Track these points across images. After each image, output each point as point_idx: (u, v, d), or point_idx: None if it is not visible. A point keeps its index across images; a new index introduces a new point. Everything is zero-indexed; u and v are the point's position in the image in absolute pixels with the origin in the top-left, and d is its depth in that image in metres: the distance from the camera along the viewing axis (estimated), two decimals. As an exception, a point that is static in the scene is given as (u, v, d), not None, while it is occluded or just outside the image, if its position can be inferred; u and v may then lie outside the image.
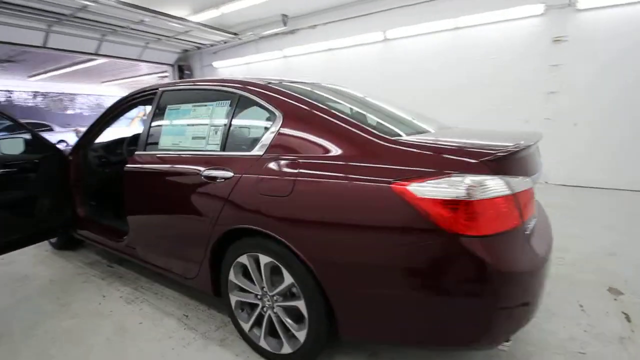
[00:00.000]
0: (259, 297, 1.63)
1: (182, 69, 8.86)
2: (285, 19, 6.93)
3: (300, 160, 1.42)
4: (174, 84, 2.12)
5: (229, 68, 8.34)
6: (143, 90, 2.32)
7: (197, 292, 2.23)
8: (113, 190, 2.98)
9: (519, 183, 1.19)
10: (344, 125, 1.43)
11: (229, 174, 1.59)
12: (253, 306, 1.68)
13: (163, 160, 1.95)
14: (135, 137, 2.99)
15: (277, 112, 1.58)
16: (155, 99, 2.14)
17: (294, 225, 1.39)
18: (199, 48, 8.48)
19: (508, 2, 5.06)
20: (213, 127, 1.80)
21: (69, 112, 16.35)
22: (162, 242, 2.02)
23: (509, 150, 1.20)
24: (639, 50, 4.48)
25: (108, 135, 2.93)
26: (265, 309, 1.62)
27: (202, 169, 1.71)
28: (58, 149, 2.66)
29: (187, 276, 1.91)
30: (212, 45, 8.17)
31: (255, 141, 1.62)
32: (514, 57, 5.25)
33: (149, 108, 2.40)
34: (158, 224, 2.00)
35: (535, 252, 1.22)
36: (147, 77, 12.72)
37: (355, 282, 1.29)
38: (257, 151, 1.57)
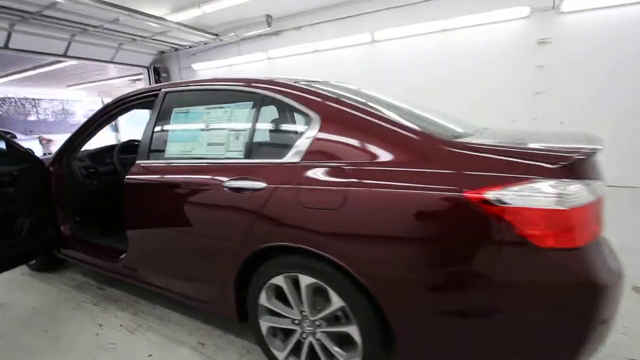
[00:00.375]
0: (296, 322, 1.46)
1: (159, 71, 8.44)
2: (269, 19, 6.73)
3: (348, 168, 1.27)
4: (179, 84, 1.90)
5: (210, 70, 8.03)
6: (139, 92, 2.08)
7: (208, 316, 2.01)
8: (103, 205, 2.69)
9: (598, 188, 1.10)
10: (394, 128, 1.29)
11: (261, 184, 1.40)
12: (289, 332, 1.50)
13: (172, 170, 1.73)
14: (127, 145, 2.71)
15: (312, 114, 1.42)
16: (157, 102, 1.91)
17: (346, 242, 1.23)
18: (176, 49, 8.10)
19: (495, 4, 5.14)
20: (233, 132, 1.61)
21: (32, 118, 15.21)
22: (172, 262, 1.79)
23: (587, 153, 1.11)
24: (617, 52, 4.67)
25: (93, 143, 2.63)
26: (305, 335, 1.44)
27: (224, 179, 1.52)
28: (39, 159, 2.35)
29: (204, 300, 1.70)
30: (190, 47, 7.82)
31: (286, 147, 1.45)
32: (501, 58, 5.35)
33: (143, 112, 2.17)
34: (168, 243, 1.77)
35: (614, 261, 1.14)
36: (117, 80, 12.08)
37: (425, 304, 1.14)
38: (292, 158, 1.40)
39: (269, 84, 1.57)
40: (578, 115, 4.98)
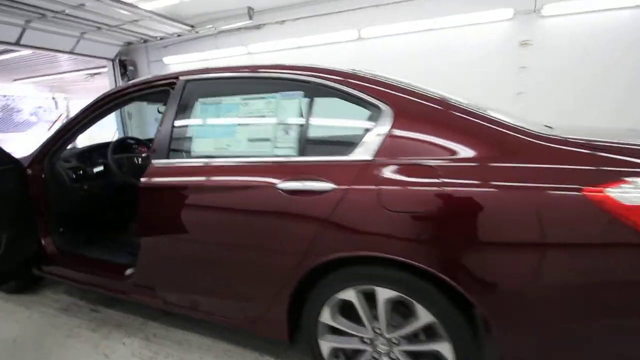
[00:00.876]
0: (367, 341, 1.29)
1: (125, 64, 7.78)
2: (251, 12, 6.42)
3: (438, 165, 1.12)
4: (203, 71, 1.64)
5: (183, 65, 7.52)
6: (146, 82, 1.79)
7: (231, 335, 1.77)
8: (96, 212, 2.33)
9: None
10: (481, 121, 1.16)
11: (328, 185, 1.21)
12: (358, 353, 1.33)
13: (204, 171, 1.48)
14: (121, 142, 2.37)
15: (383, 106, 1.25)
16: (175, 92, 1.64)
17: (444, 249, 1.08)
18: (145, 41, 7.50)
19: (480, 5, 5.25)
20: (283, 126, 1.40)
21: (-34, 116, 13.45)
22: (205, 279, 1.54)
23: None
24: (595, 55, 4.95)
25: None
26: (377, 355, 1.28)
27: (275, 180, 1.30)
28: (17, 161, 1.97)
29: (246, 320, 1.48)
30: (162, 38, 7.27)
31: (351, 142, 1.27)
32: (485, 59, 5.48)
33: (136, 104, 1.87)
34: (199, 256, 1.52)
35: None
36: (72, 74, 11.07)
37: (540, 317, 1.03)
38: (361, 155, 1.23)
39: (325, 72, 1.38)
40: (559, 116, 5.23)
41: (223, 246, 1.44)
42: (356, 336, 1.30)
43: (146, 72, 7.85)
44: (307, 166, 1.29)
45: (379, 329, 1.26)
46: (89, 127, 2.07)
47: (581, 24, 4.92)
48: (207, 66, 1.66)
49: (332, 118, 1.42)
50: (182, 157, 1.57)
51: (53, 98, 12.83)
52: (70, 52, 6.64)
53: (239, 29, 6.87)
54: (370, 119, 1.28)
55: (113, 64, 7.71)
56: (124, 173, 2.23)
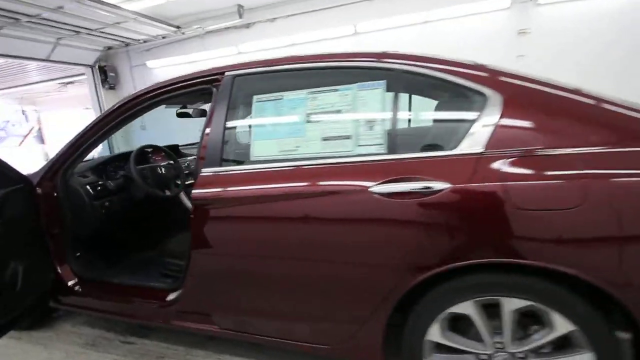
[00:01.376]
0: (485, 357, 1.14)
1: (105, 71, 7.33)
2: (241, 10, 6.16)
3: (576, 154, 0.98)
4: (255, 64, 1.45)
5: (169, 68, 7.17)
6: (183, 80, 1.58)
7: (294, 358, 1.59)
8: (120, 232, 2.09)
9: None
10: (608, 106, 1.05)
11: (441, 184, 1.05)
12: (470, 372, 1.18)
13: (270, 178, 1.29)
14: (142, 152, 2.12)
15: (489, 93, 1.11)
16: (223, 90, 1.44)
17: (596, 248, 0.95)
18: (127, 45, 7.10)
19: (477, -5, 5.24)
20: (365, 121, 1.23)
21: None
22: (277, 300, 1.35)
23: None
24: (589, 40, 5.03)
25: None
26: (498, 371, 1.13)
27: (367, 183, 1.13)
28: (28, 180, 1.70)
29: (331, 344, 1.30)
30: (145, 41, 6.90)
31: (452, 134, 1.13)
32: (484, 48, 5.48)
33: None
34: (270, 275, 1.32)
35: None
36: (43, 85, 10.40)
37: None
38: (470, 148, 1.08)
39: (412, 59, 1.22)
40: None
41: (302, 262, 1.26)
42: (471, 353, 1.15)
43: (128, 77, 7.45)
44: (404, 164, 1.13)
45: (501, 344, 1.11)
46: (108, 136, 1.83)
47: (577, 10, 4.98)
48: (257, 59, 1.47)
49: (423, 109, 1.26)
50: (241, 164, 1.37)
51: (22, 111, 12.02)
52: (46, 60, 6.18)
53: (227, 28, 6.61)
54: (472, 107, 1.13)
55: (92, 71, 7.26)
56: (150, 185, 1.99)
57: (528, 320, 1.10)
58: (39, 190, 1.79)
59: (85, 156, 1.90)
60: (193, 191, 1.37)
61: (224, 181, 1.34)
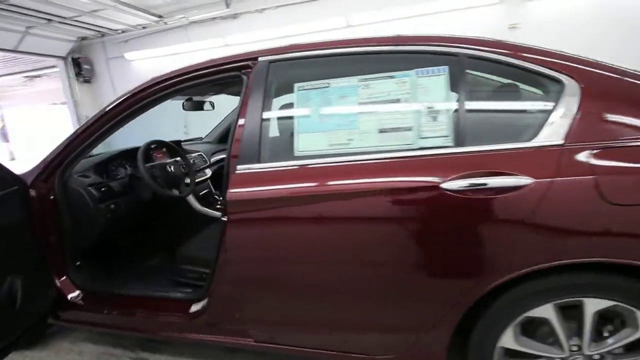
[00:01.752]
0: (559, 361, 1.07)
1: (79, 62, 6.86)
2: (228, 0, 5.91)
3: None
4: (293, 48, 1.31)
5: (150, 61, 6.80)
6: (208, 66, 1.41)
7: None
8: (122, 236, 1.89)
9: None
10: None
11: (523, 180, 0.96)
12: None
13: (321, 175, 1.16)
14: (148, 148, 1.93)
15: (567, 80, 1.03)
16: (257, 77, 1.29)
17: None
18: (103, 35, 6.65)
19: (469, -11, 5.24)
20: (427, 110, 1.12)
21: None
22: (336, 310, 1.22)
23: None
24: (579, 33, 5.16)
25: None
26: (575, 376, 1.07)
27: (438, 179, 1.03)
28: (21, 180, 1.49)
29: (392, 354, 1.19)
30: (123, 32, 6.49)
31: (526, 125, 1.05)
32: (476, 43, 5.52)
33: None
34: (329, 283, 1.20)
35: None
36: (8, 78, 9.69)
37: None
38: (549, 139, 0.99)
39: (479, 43, 1.13)
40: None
41: (362, 267, 1.14)
42: (545, 357, 1.08)
43: (105, 70, 7.01)
44: (476, 157, 1.03)
45: (577, 346, 1.05)
46: (114, 131, 1.62)
47: (566, 5, 5.09)
48: (296, 43, 1.33)
49: (490, 97, 1.17)
50: (283, 159, 1.23)
51: (-16, 108, 11.15)
52: (14, 51, 5.69)
53: (213, 19, 6.33)
54: (548, 96, 1.05)
55: (65, 63, 6.77)
56: (160, 185, 1.80)
57: (602, 321, 1.04)
58: (33, 193, 1.57)
59: (87, 154, 1.70)
60: (229, 191, 1.21)
61: (265, 179, 1.20)
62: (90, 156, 1.90)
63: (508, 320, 1.06)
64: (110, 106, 1.57)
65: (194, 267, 1.73)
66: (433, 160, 1.07)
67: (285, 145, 1.24)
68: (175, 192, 1.93)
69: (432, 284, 1.09)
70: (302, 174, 1.18)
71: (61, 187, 1.64)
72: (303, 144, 1.21)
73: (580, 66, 1.05)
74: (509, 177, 0.98)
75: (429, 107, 1.12)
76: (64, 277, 1.68)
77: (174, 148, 2.10)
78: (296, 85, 1.24)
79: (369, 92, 1.17)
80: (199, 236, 1.98)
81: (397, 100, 1.15)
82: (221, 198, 2.39)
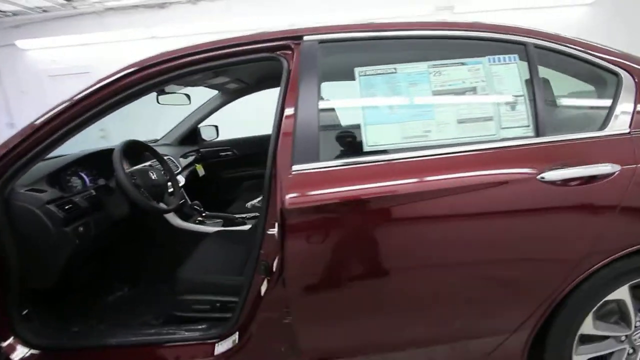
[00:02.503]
0: (623, 338, 1.12)
1: (-53, 49, 5.36)
2: (155, -14, 5.27)
3: None
4: (347, 28, 1.13)
5: (51, 51, 5.68)
6: (231, 45, 1.16)
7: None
8: (99, 266, 1.46)
9: None
10: None
11: (611, 167, 0.98)
12: (611, 355, 1.14)
13: (400, 171, 1.02)
14: (125, 150, 1.52)
15: (623, 75, 1.09)
16: (303, 60, 1.09)
17: None
18: (-16, 16, 5.35)
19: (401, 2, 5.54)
20: (504, 100, 1.07)
21: None
22: (420, 323, 1.09)
23: None
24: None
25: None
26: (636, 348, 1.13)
27: (532, 170, 0.99)
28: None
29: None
30: (13, 14, 5.29)
31: (595, 115, 1.09)
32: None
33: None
34: (412, 291, 1.05)
35: None
36: None
37: None
38: (618, 128, 1.04)
39: (544, 35, 1.12)
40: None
41: (461, 271, 1.03)
42: (613, 337, 1.12)
43: (-12, 60, 5.62)
44: (560, 147, 1.02)
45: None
46: (86, 126, 1.22)
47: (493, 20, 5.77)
48: (349, 23, 1.15)
49: (558, 88, 1.17)
50: (349, 155, 1.05)
51: None
52: None
53: (135, 6, 5.58)
54: (608, 88, 1.10)
55: None
56: (147, 198, 1.42)
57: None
58: None
59: (37, 162, 1.24)
60: (288, 196, 0.99)
61: (331, 180, 1.01)
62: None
63: (591, 306, 1.07)
64: (83, 94, 1.18)
65: (200, 295, 1.40)
66: (520, 151, 1.03)
67: (350, 140, 1.06)
68: (162, 204, 1.56)
69: (528, 279, 1.04)
70: (378, 171, 1.02)
71: (1, 207, 1.17)
72: (373, 137, 1.05)
73: (631, 62, 1.12)
74: (600, 165, 0.98)
75: (506, 96, 1.07)
76: (9, 336, 1.21)
77: (153, 150, 1.70)
78: (357, 70, 1.08)
79: (441, 80, 1.08)
80: (188, 257, 1.62)
81: (473, 89, 1.07)
82: (201, 209, 2.05)
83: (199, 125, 2.61)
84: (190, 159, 2.42)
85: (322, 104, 1.06)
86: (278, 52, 1.13)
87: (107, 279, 1.74)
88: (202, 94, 2.56)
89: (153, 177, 1.54)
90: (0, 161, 1.15)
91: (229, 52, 1.16)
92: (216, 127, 2.73)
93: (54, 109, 1.19)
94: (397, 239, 1.01)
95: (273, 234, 1.04)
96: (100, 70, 1.29)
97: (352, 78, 1.08)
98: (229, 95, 2.43)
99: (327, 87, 1.09)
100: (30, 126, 1.18)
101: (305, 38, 1.11)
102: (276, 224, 1.02)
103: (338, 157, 1.05)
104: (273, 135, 1.07)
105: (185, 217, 1.95)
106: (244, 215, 2.00)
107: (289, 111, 1.06)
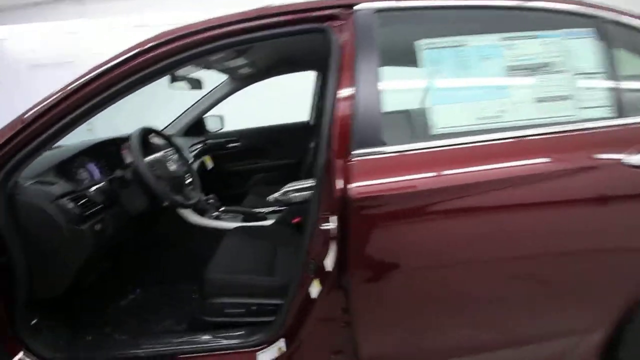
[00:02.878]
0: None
1: None
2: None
3: None
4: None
5: (28, 38, 5.31)
6: (270, 15, 1.03)
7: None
8: (117, 269, 1.31)
9: None
10: None
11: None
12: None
13: (477, 156, 0.91)
14: (143, 137, 1.36)
15: None
16: (359, 31, 0.96)
17: None
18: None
19: None
20: (582, 77, 0.98)
21: None
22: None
23: None
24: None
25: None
26: None
27: (613, 155, 0.90)
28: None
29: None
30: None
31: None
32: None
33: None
34: (492, 288, 0.95)
35: None
36: None
37: None
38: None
39: (617, 10, 1.03)
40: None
41: (527, 263, 0.93)
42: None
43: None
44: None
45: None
46: (95, 112, 1.06)
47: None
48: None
49: (628, 65, 1.08)
50: (415, 140, 0.93)
51: None
52: None
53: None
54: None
55: None
56: (170, 191, 1.27)
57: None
58: None
59: (45, 150, 1.07)
60: (352, 186, 0.86)
61: (401, 166, 0.89)
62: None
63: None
64: (97, 72, 1.02)
65: (232, 298, 1.26)
66: (602, 133, 0.94)
67: (417, 121, 0.95)
68: (181, 198, 1.41)
69: (611, 272, 0.95)
70: (453, 156, 0.91)
71: (3, 204, 1.00)
72: (442, 118, 0.93)
73: None
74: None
75: (584, 73, 0.98)
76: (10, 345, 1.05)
77: (169, 139, 1.54)
78: (420, 44, 0.96)
79: (515, 54, 0.97)
80: (210, 256, 1.48)
81: (549, 65, 0.97)
82: (217, 203, 1.89)
83: (204, 115, 2.45)
84: (197, 150, 2.26)
85: (383, 83, 0.93)
86: (327, 22, 0.99)
87: (117, 280, 1.58)
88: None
89: (172, 168, 1.38)
90: (0, 150, 0.98)
91: (265, 24, 1.02)
92: (221, 117, 2.57)
93: (66, 87, 1.02)
94: (478, 231, 0.90)
95: (326, 229, 0.92)
96: (86, 60, 1.14)
97: (415, 53, 0.96)
98: (239, 82, 2.27)
99: (387, 62, 0.96)
100: (27, 113, 1.00)
101: (358, 7, 0.98)
102: (332, 218, 0.90)
103: (404, 141, 0.93)
104: (326, 120, 0.95)
105: (200, 213, 1.80)
106: (263, 210, 1.86)
107: (345, 91, 0.93)
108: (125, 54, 1.03)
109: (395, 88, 0.99)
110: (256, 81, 2.35)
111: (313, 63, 2.30)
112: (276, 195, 1.80)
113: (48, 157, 1.23)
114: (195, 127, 2.39)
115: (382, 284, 0.91)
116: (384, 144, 0.90)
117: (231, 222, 1.78)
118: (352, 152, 0.89)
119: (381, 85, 0.93)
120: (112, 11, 5.26)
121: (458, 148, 0.91)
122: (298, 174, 2.59)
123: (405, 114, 1.00)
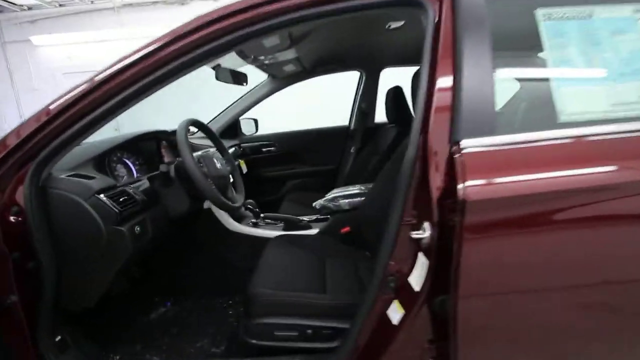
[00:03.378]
0: None
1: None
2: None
3: None
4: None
5: (67, 48, 5.47)
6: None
7: None
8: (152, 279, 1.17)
9: None
10: None
11: None
12: None
13: (616, 151, 0.72)
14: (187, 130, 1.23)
15: None
16: (465, 6, 0.80)
17: None
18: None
19: None
20: None
21: None
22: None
23: None
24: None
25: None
26: None
27: None
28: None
29: None
30: (29, 9, 5.09)
31: None
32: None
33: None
34: None
35: None
36: None
37: None
38: None
39: None
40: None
41: None
42: None
43: (1, 57, 5.41)
44: None
45: None
46: (144, 95, 0.93)
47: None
48: None
49: None
50: (537, 129, 0.75)
51: None
52: None
53: (154, 2, 5.40)
54: None
55: None
56: (214, 190, 1.11)
57: None
58: None
59: (83, 138, 0.95)
60: (467, 183, 0.68)
61: (527, 161, 0.71)
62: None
63: None
64: (149, 49, 0.90)
65: (283, 319, 1.08)
66: None
67: (540, 108, 0.76)
68: (227, 200, 1.26)
69: None
70: (590, 149, 0.72)
71: (35, 197, 0.87)
72: (571, 104, 0.74)
73: None
74: None
75: None
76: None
77: (214, 135, 1.41)
78: (540, 13, 0.78)
79: (655, 28, 0.78)
80: (252, 268, 1.30)
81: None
82: (256, 209, 1.74)
83: (240, 118, 2.34)
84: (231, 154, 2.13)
85: (496, 60, 0.76)
86: None
87: (147, 289, 1.43)
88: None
89: (218, 167, 1.23)
90: (32, 138, 0.86)
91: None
92: (255, 120, 2.46)
93: (100, 72, 0.90)
94: (623, 240, 0.70)
95: (417, 238, 0.74)
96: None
97: (532, 24, 0.78)
98: (280, 82, 2.15)
99: (498, 40, 0.79)
100: (60, 99, 0.88)
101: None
102: (425, 225, 0.72)
103: (523, 130, 0.74)
104: (419, 109, 0.78)
105: (237, 219, 1.65)
106: (306, 218, 1.69)
107: (445, 77, 0.76)
108: (189, 25, 0.91)
109: (506, 65, 0.81)
110: (298, 81, 2.23)
111: (359, 62, 2.17)
112: (322, 201, 1.64)
113: (83, 149, 1.10)
114: (230, 130, 2.29)
115: (502, 312, 0.71)
116: (495, 132, 0.72)
117: (271, 229, 1.62)
118: (463, 143, 0.71)
119: (493, 63, 0.76)
120: (146, 21, 5.37)
121: (594, 140, 0.72)
122: (336, 181, 2.43)
123: (524, 99, 0.82)
